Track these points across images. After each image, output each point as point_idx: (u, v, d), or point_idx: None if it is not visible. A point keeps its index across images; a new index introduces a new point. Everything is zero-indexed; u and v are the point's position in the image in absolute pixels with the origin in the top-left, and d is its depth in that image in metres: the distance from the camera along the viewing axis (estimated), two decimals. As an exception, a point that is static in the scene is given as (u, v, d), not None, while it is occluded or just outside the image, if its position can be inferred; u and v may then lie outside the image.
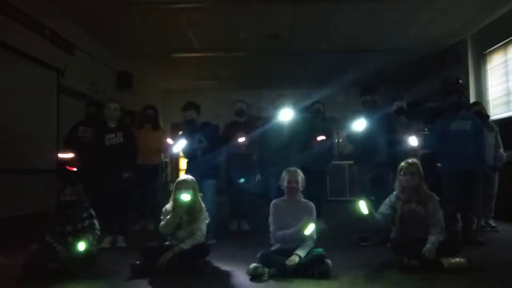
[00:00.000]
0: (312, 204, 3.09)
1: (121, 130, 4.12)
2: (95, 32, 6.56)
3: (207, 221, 3.16)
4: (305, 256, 2.80)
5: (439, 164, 4.26)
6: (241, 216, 5.00)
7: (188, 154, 4.26)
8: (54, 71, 5.59)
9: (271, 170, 4.10)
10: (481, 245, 3.75)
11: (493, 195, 4.84)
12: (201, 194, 3.32)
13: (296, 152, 4.08)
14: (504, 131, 5.14)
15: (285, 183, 3.10)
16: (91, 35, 6.64)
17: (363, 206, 3.00)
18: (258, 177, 4.58)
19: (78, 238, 3.02)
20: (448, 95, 4.25)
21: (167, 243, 3.11)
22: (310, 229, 2.92)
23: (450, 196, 3.95)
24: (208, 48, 7.41)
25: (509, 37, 5.89)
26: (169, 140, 4.92)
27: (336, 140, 7.94)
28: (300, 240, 2.92)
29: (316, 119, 5.02)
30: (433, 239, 2.94)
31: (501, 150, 4.86)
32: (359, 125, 3.99)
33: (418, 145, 4.31)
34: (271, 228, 3.07)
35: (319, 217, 4.11)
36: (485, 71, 6.62)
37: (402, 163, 3.22)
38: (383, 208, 3.22)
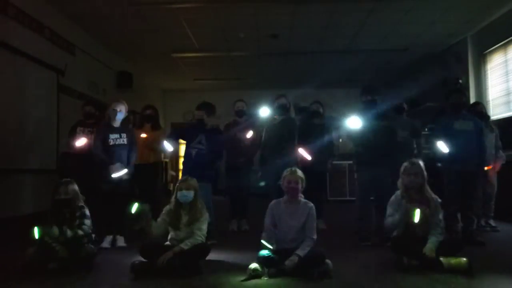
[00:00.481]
0: (312, 205, 3.08)
1: (125, 131, 4.12)
2: (95, 32, 6.57)
3: (207, 222, 3.16)
4: (305, 256, 2.79)
5: (439, 164, 4.25)
6: (241, 216, 4.99)
7: (185, 152, 4.28)
8: (54, 71, 5.60)
9: (270, 168, 4.28)
10: (481, 245, 3.75)
11: (493, 195, 4.84)
12: None
13: (286, 151, 4.31)
14: (504, 131, 5.14)
15: (285, 183, 3.09)
16: (91, 35, 6.65)
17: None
18: (259, 174, 4.78)
19: (75, 237, 3.01)
20: (449, 95, 4.25)
21: (167, 243, 3.11)
22: None
23: (451, 196, 3.94)
24: (208, 48, 7.42)
25: (509, 37, 5.89)
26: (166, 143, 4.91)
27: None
28: (300, 240, 2.92)
29: (313, 119, 5.06)
30: (433, 239, 2.94)
31: (501, 151, 4.87)
32: (354, 123, 3.98)
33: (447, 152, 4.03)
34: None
35: (319, 217, 4.13)
36: (485, 71, 6.61)
37: (406, 163, 3.19)
38: (390, 210, 3.16)
